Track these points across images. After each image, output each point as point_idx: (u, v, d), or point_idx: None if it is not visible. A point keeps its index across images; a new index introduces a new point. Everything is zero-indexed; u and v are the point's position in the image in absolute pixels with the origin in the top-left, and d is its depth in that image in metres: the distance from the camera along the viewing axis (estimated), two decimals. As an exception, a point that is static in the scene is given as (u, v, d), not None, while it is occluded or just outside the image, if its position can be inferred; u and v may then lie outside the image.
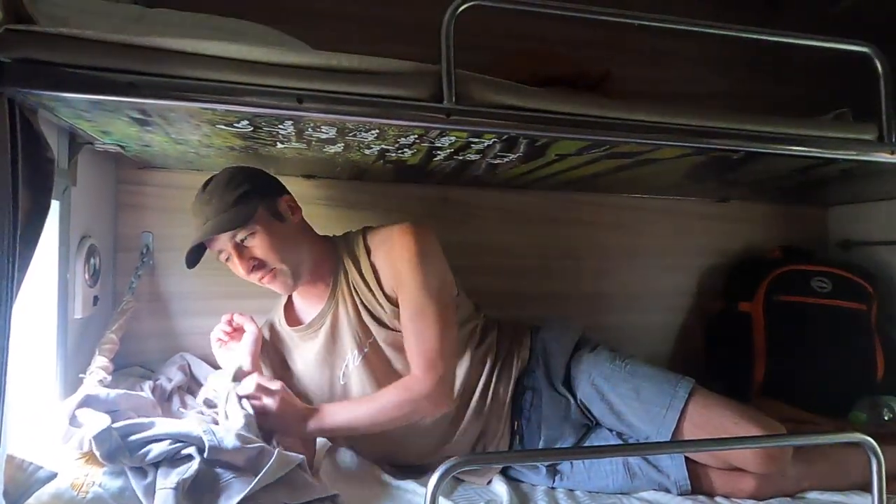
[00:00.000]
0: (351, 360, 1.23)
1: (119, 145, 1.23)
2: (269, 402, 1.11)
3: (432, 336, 1.14)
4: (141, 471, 0.87)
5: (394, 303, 1.21)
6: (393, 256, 1.19)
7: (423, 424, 1.21)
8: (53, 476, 0.84)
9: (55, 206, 1.13)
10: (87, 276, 1.26)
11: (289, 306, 1.32)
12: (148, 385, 1.29)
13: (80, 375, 1.16)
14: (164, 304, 1.54)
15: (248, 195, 1.15)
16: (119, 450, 0.86)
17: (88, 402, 0.98)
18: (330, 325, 1.24)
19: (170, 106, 0.85)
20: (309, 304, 1.28)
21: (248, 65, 0.83)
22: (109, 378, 1.20)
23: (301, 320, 1.29)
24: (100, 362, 1.21)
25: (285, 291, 1.22)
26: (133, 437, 0.89)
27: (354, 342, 1.22)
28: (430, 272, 1.18)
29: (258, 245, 1.15)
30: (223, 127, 1.00)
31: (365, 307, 1.22)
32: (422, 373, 1.14)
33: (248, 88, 0.82)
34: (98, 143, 1.19)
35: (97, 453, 0.84)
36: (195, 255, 1.17)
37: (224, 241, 1.15)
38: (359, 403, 1.18)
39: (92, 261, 1.29)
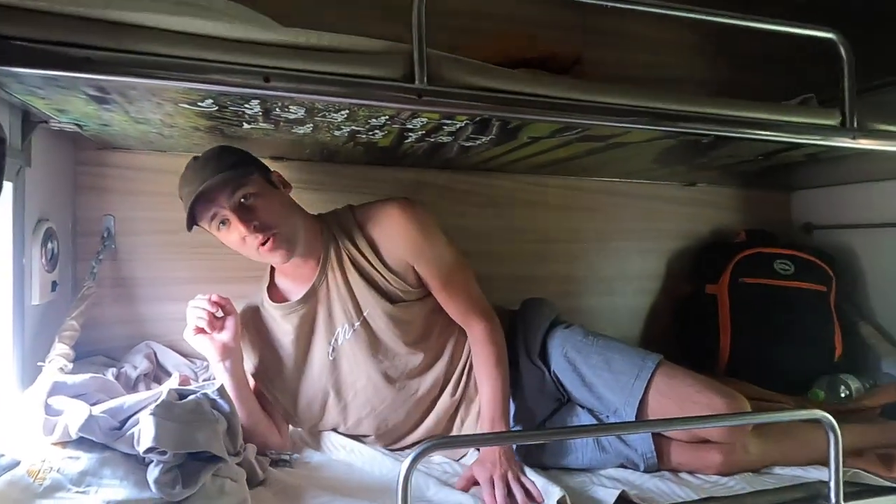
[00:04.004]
0: (342, 334, 1.23)
1: (76, 124, 1.18)
2: None
3: (471, 287, 1.26)
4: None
5: (399, 275, 1.22)
6: (399, 232, 1.20)
7: (409, 395, 1.24)
8: (15, 464, 0.81)
9: (8, 187, 1.08)
10: (44, 261, 1.22)
11: (272, 288, 1.29)
12: (111, 372, 1.26)
13: (39, 364, 1.13)
14: (127, 290, 1.50)
15: (244, 160, 1.17)
16: (108, 433, 0.86)
17: (57, 389, 0.95)
18: (320, 300, 1.23)
19: (129, 83, 0.82)
20: (296, 283, 1.26)
21: (212, 41, 0.81)
22: (71, 366, 1.17)
23: (288, 299, 1.26)
24: (60, 350, 1.17)
25: (282, 260, 1.17)
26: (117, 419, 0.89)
27: (345, 317, 1.22)
28: (441, 238, 1.25)
29: (259, 205, 1.13)
30: (186, 106, 0.97)
31: (363, 279, 1.22)
32: (477, 321, 1.24)
33: (212, 66, 0.80)
34: (54, 121, 1.14)
35: (93, 439, 0.84)
36: (191, 218, 1.12)
37: (222, 202, 1.11)
38: (490, 394, 1.19)
39: (49, 245, 1.25)
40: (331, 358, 1.23)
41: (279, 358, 1.25)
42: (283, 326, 1.24)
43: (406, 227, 1.20)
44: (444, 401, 1.26)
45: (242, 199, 1.12)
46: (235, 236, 1.13)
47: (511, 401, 1.25)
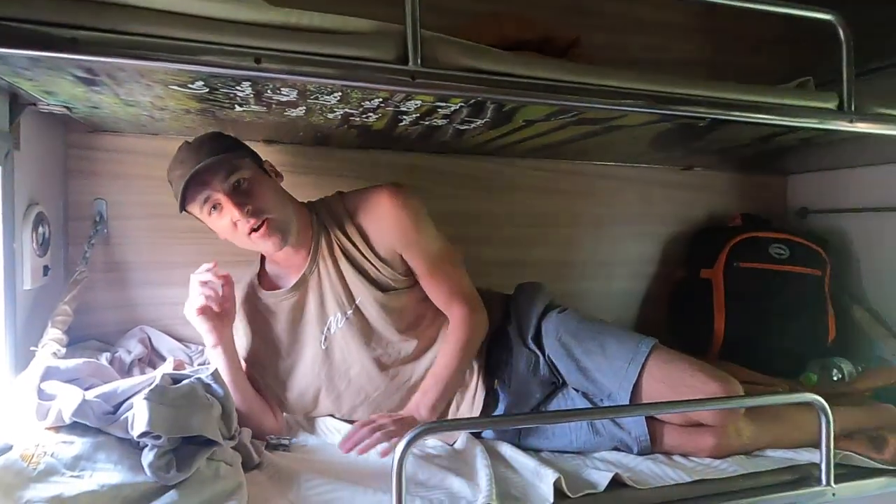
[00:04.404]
0: (334, 323, 1.22)
1: (65, 107, 1.16)
2: None
3: (456, 274, 1.25)
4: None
5: (388, 263, 1.22)
6: (388, 221, 1.20)
7: (403, 382, 1.24)
8: (8, 448, 0.81)
9: (-4, 171, 1.07)
10: (35, 246, 1.21)
11: (263, 275, 1.28)
12: (105, 357, 1.26)
13: (32, 349, 1.12)
14: (120, 275, 1.49)
15: (238, 145, 1.17)
16: (101, 417, 0.86)
17: (49, 374, 0.95)
18: (311, 289, 1.22)
19: (117, 64, 0.81)
20: (287, 272, 1.25)
21: (202, 21, 0.79)
22: (64, 351, 1.16)
23: (278, 287, 1.25)
24: (53, 334, 1.16)
25: (275, 248, 1.15)
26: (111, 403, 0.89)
27: (338, 305, 1.22)
28: (429, 226, 1.23)
29: (253, 190, 1.12)
30: (177, 88, 0.95)
31: (354, 268, 1.21)
32: (458, 308, 1.23)
33: (202, 47, 0.79)
34: (42, 104, 1.12)
35: (87, 424, 0.84)
36: (183, 200, 1.11)
37: (216, 185, 1.09)
38: (434, 375, 1.20)
39: (40, 229, 1.23)
40: (323, 347, 1.23)
41: (272, 345, 1.25)
42: (274, 313, 1.24)
43: (394, 214, 1.19)
44: None
45: (236, 183, 1.11)
46: (227, 221, 1.12)
47: (504, 388, 1.25)
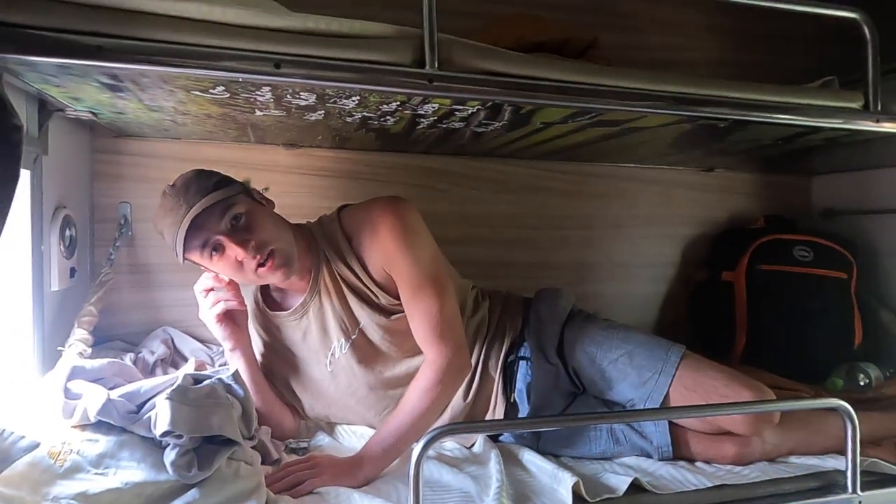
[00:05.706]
0: (338, 348, 1.20)
1: (92, 112, 1.19)
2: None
3: (435, 308, 1.12)
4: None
5: (384, 288, 1.18)
6: (378, 241, 1.14)
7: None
8: (35, 446, 0.83)
9: (25, 175, 1.09)
10: (62, 248, 1.24)
11: (266, 292, 1.27)
12: (129, 357, 1.28)
13: (59, 348, 1.14)
14: (144, 276, 1.52)
15: (225, 180, 1.11)
16: (125, 417, 0.88)
17: (75, 373, 0.97)
18: (314, 314, 1.20)
19: (140, 70, 0.82)
20: (291, 292, 1.23)
21: (222, 27, 0.81)
22: (90, 351, 1.19)
23: (283, 304, 1.25)
24: (79, 335, 1.19)
25: (282, 279, 1.11)
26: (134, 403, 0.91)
27: (341, 331, 1.19)
28: (419, 246, 1.15)
29: (252, 224, 1.07)
30: (198, 93, 0.97)
31: (354, 293, 1.18)
32: (435, 349, 1.12)
33: (222, 52, 0.80)
34: (69, 109, 1.14)
35: (111, 422, 0.86)
36: (181, 251, 1.07)
37: (212, 227, 1.05)
38: (393, 418, 1.10)
39: (67, 232, 1.26)
40: (329, 370, 1.22)
41: (282, 356, 1.26)
42: (281, 330, 1.24)
43: (385, 228, 1.13)
44: (456, 402, 1.23)
45: (233, 220, 1.06)
46: (231, 261, 1.07)
47: (524, 401, 1.24)
